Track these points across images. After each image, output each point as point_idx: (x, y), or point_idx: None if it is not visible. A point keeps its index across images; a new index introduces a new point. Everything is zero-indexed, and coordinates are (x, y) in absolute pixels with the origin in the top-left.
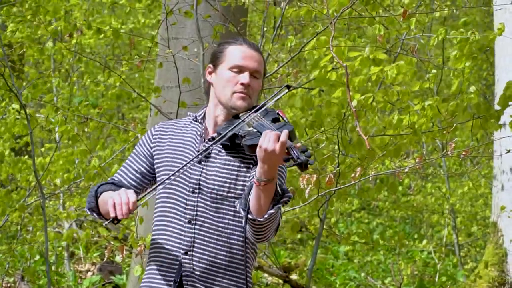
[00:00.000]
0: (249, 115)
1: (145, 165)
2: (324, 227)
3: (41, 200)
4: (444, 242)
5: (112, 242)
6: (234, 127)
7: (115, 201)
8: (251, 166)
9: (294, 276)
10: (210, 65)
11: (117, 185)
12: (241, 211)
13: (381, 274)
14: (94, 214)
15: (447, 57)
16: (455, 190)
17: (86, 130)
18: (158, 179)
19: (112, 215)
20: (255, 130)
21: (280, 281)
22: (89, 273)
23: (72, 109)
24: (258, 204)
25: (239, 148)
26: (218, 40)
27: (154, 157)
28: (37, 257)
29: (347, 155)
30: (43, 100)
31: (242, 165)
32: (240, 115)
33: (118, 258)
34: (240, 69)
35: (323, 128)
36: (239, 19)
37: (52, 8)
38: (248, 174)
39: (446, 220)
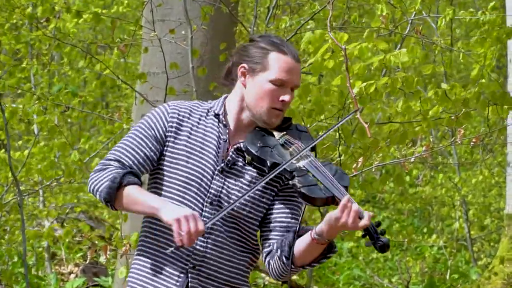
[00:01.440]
0: (302, 152)
1: (156, 152)
2: None
3: (18, 198)
4: (455, 236)
5: (96, 242)
6: (288, 161)
7: (182, 227)
8: (276, 190)
9: (293, 276)
10: (246, 66)
11: (137, 175)
12: (284, 258)
13: (388, 272)
14: (108, 205)
15: (456, 38)
16: (466, 180)
17: (69, 120)
18: (159, 171)
19: (178, 243)
20: (307, 172)
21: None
22: (72, 275)
23: (51, 97)
24: (307, 257)
25: (269, 172)
26: (207, 22)
27: (165, 146)
28: (16, 258)
29: (349, 146)
30: (21, 89)
31: (268, 186)
32: (276, 134)
33: (102, 259)
34: (282, 84)
35: (323, 116)
36: None
37: None
38: (271, 198)
39: (458, 213)
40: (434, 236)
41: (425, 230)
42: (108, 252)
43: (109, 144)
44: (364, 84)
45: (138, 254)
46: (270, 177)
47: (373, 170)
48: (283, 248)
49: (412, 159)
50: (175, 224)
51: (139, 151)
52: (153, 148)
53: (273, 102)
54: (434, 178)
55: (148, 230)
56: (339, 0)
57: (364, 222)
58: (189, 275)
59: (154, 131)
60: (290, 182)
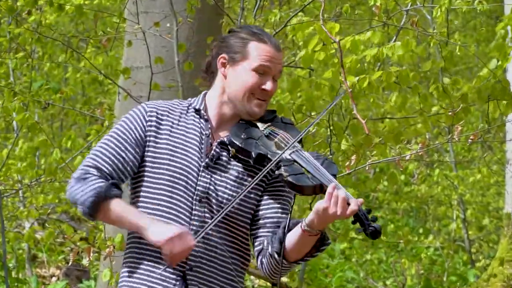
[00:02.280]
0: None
1: (135, 155)
2: None
3: None
4: (452, 237)
5: (78, 244)
6: (279, 156)
7: (173, 250)
8: (264, 185)
9: (284, 279)
10: (225, 56)
11: (118, 187)
12: (275, 255)
13: (383, 274)
14: (90, 218)
15: (453, 30)
16: (464, 179)
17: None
18: (143, 174)
19: (170, 264)
20: (293, 161)
21: (268, 284)
22: (54, 278)
23: (31, 93)
24: (299, 250)
25: (255, 163)
26: (192, 14)
27: (145, 147)
28: None
29: (340, 143)
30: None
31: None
32: (260, 125)
33: (85, 261)
34: (264, 72)
35: (313, 113)
36: None
37: None
38: (259, 193)
39: (455, 212)
40: (430, 236)
41: (421, 230)
42: (91, 254)
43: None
44: (357, 78)
45: (129, 257)
46: (264, 173)
47: (367, 168)
48: (274, 245)
49: (407, 157)
50: (166, 246)
51: (118, 156)
52: (132, 151)
53: (255, 91)
54: (430, 176)
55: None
56: None
57: (352, 207)
58: (187, 277)
59: (133, 133)
60: (276, 172)
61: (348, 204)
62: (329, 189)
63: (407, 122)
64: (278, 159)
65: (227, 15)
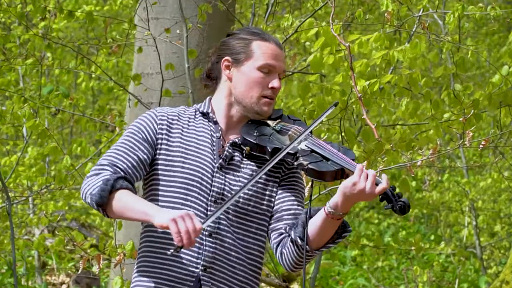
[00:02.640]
0: (303, 133)
1: (148, 155)
2: None
3: (7, 205)
4: (464, 243)
5: (88, 251)
6: (294, 141)
7: (179, 228)
8: (278, 180)
9: (295, 286)
10: (229, 58)
11: (130, 181)
12: (298, 240)
13: (394, 281)
14: (100, 210)
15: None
16: (475, 185)
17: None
18: (156, 177)
19: (179, 244)
20: (310, 151)
21: None
22: (64, 286)
23: (41, 100)
24: (321, 236)
25: (267, 159)
26: (203, 20)
27: (157, 150)
28: (5, 268)
29: (351, 148)
30: (9, 91)
31: (269, 178)
32: (270, 123)
33: (95, 269)
34: (270, 70)
35: (325, 119)
36: None
37: None
38: (275, 189)
39: (466, 219)
40: (442, 243)
41: (432, 237)
42: (101, 262)
43: (102, 150)
44: (367, 82)
45: (142, 260)
46: (275, 161)
47: (378, 174)
48: (297, 230)
49: (419, 163)
50: (172, 224)
51: (132, 154)
52: (145, 151)
53: (263, 90)
54: (441, 182)
55: (151, 235)
56: None
57: (382, 185)
58: (201, 278)
59: (145, 134)
60: (295, 162)
61: (377, 184)
62: (359, 165)
63: (419, 128)
64: (290, 149)
65: (238, 21)
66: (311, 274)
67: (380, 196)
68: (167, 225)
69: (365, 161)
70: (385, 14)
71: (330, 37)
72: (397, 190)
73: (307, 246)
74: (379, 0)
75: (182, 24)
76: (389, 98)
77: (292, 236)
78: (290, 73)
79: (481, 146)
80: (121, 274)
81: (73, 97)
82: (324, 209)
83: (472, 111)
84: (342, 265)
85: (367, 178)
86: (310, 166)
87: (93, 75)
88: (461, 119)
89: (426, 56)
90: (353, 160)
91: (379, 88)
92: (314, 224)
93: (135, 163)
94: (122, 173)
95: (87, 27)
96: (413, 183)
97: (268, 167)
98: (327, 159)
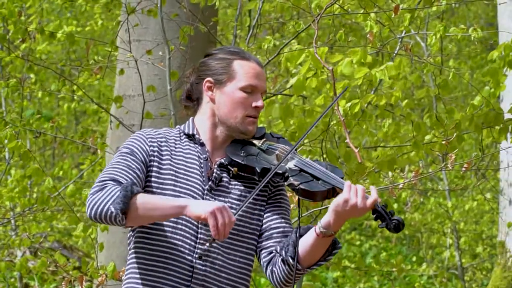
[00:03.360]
0: (290, 152)
1: (144, 174)
2: None
3: None
4: (446, 265)
5: (70, 273)
6: (281, 162)
7: (218, 221)
8: (266, 199)
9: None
10: (211, 79)
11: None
12: (289, 259)
13: None
14: (121, 220)
15: (446, 54)
16: (458, 206)
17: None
18: None
19: (215, 237)
20: (299, 170)
21: None
22: None
23: (22, 123)
24: (312, 255)
25: (254, 179)
26: (185, 43)
27: (149, 172)
28: None
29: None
30: None
31: (257, 197)
32: (256, 142)
33: None
34: (252, 90)
35: (306, 140)
36: (208, 17)
37: (6, 11)
38: (263, 208)
39: (448, 240)
40: (424, 265)
41: (414, 258)
42: (84, 283)
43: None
44: (349, 104)
45: (131, 277)
46: (266, 180)
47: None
48: (287, 249)
49: (401, 186)
50: (211, 217)
51: (131, 171)
52: (141, 170)
53: (247, 110)
54: (423, 204)
55: (139, 261)
56: (324, 18)
57: (373, 197)
58: None
59: (139, 155)
60: (286, 182)
61: (366, 197)
62: (347, 183)
63: (400, 150)
64: (279, 169)
65: (219, 43)
66: None
67: (374, 215)
68: (205, 217)
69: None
70: (368, 35)
71: (314, 60)
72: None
73: (298, 265)
74: (362, 22)
75: (164, 46)
76: (370, 120)
77: (284, 256)
78: (272, 95)
79: (463, 169)
80: None
81: (55, 120)
82: (315, 230)
83: (455, 134)
84: (324, 287)
85: (357, 193)
86: (301, 186)
87: (75, 97)
88: (443, 141)
89: (408, 78)
90: (341, 177)
91: (360, 110)
92: (305, 244)
93: (135, 180)
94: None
95: (69, 49)
96: (395, 205)
97: (260, 187)
98: (318, 179)
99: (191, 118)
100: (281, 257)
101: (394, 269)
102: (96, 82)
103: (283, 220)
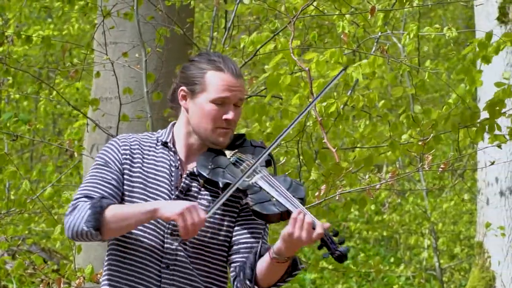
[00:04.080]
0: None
1: (120, 184)
2: None
3: None
4: (424, 266)
5: (49, 275)
6: (238, 180)
7: (187, 220)
8: (237, 211)
9: None
10: (185, 89)
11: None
12: (247, 282)
13: None
14: (95, 236)
15: (423, 55)
16: (436, 207)
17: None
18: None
19: (184, 237)
20: (260, 188)
21: None
22: None
23: (0, 126)
24: (270, 277)
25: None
26: (162, 45)
27: (123, 179)
28: None
29: (310, 171)
30: None
31: (227, 209)
32: (227, 153)
33: None
34: (223, 102)
35: (282, 142)
36: (184, 19)
37: None
38: (233, 220)
39: (426, 241)
40: (402, 266)
41: (392, 259)
42: (61, 285)
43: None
44: (324, 103)
45: (105, 283)
46: (225, 198)
47: (337, 198)
48: (246, 271)
49: (378, 186)
50: (180, 218)
51: (106, 183)
52: (117, 179)
53: (217, 122)
54: (401, 205)
55: (114, 258)
56: (299, 19)
57: (317, 231)
58: None
59: (112, 165)
60: (243, 201)
61: (314, 228)
62: (293, 214)
63: (377, 151)
64: (240, 185)
65: (195, 45)
66: None
67: (319, 243)
68: (175, 219)
69: (324, 185)
70: (342, 36)
71: (289, 59)
72: (339, 235)
73: (256, 287)
74: (336, 23)
75: (141, 49)
76: (347, 120)
77: (241, 278)
78: (247, 96)
79: (440, 169)
80: None
81: (32, 123)
82: (269, 254)
83: (432, 134)
84: None
85: (302, 226)
86: (254, 207)
87: (52, 101)
88: (420, 142)
89: (384, 77)
90: (301, 199)
91: (336, 111)
92: (262, 266)
93: (111, 191)
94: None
95: (45, 52)
96: (372, 207)
97: (218, 205)
98: (274, 198)
99: (171, 123)
100: (240, 278)
101: (372, 270)
102: (73, 85)
103: (251, 235)
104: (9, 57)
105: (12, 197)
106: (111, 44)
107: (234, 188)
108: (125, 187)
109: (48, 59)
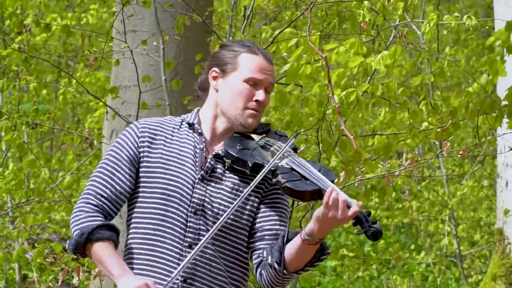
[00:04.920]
0: (283, 149)
1: (131, 173)
2: None
3: None
4: (444, 253)
5: (68, 264)
6: (272, 161)
7: None
8: (261, 195)
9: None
10: (216, 69)
11: (111, 227)
12: (275, 265)
13: None
14: (78, 255)
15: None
16: (454, 194)
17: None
18: (137, 189)
19: None
20: (290, 169)
21: None
22: None
23: (19, 115)
24: (299, 261)
25: (250, 173)
26: (181, 33)
27: (140, 163)
28: None
29: (329, 159)
30: None
31: (251, 192)
32: (255, 137)
33: (75, 281)
34: (255, 83)
35: (302, 129)
36: (203, 7)
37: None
38: (256, 204)
39: (446, 228)
40: (422, 253)
41: (412, 246)
42: (81, 274)
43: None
44: (344, 92)
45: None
46: (258, 179)
47: (356, 185)
48: (274, 255)
49: (397, 173)
50: None
51: (114, 177)
52: (128, 170)
53: (247, 102)
54: (421, 191)
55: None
56: (318, 6)
57: (353, 209)
58: None
59: (127, 151)
60: (274, 179)
61: (348, 207)
62: (328, 192)
63: (397, 138)
64: (271, 166)
65: (215, 33)
66: (290, 286)
67: (353, 221)
68: None
69: (343, 172)
70: (362, 24)
71: (308, 47)
72: (372, 215)
73: (285, 270)
74: (356, 11)
75: (159, 37)
76: (366, 108)
77: (269, 261)
78: None
79: (459, 155)
80: (100, 286)
81: (51, 112)
82: (301, 235)
83: (450, 121)
84: (322, 276)
85: (337, 205)
86: (287, 184)
87: (71, 89)
88: (438, 129)
89: (403, 66)
90: (332, 181)
91: (356, 98)
92: (291, 249)
93: (119, 187)
94: (108, 204)
95: (65, 41)
96: (393, 194)
97: (253, 186)
98: (306, 179)
99: (196, 108)
100: (268, 261)
101: (392, 257)
102: (92, 74)
103: (277, 222)
104: (28, 45)
105: (32, 186)
106: (130, 33)
107: (269, 167)
108: (143, 169)
109: (67, 48)
